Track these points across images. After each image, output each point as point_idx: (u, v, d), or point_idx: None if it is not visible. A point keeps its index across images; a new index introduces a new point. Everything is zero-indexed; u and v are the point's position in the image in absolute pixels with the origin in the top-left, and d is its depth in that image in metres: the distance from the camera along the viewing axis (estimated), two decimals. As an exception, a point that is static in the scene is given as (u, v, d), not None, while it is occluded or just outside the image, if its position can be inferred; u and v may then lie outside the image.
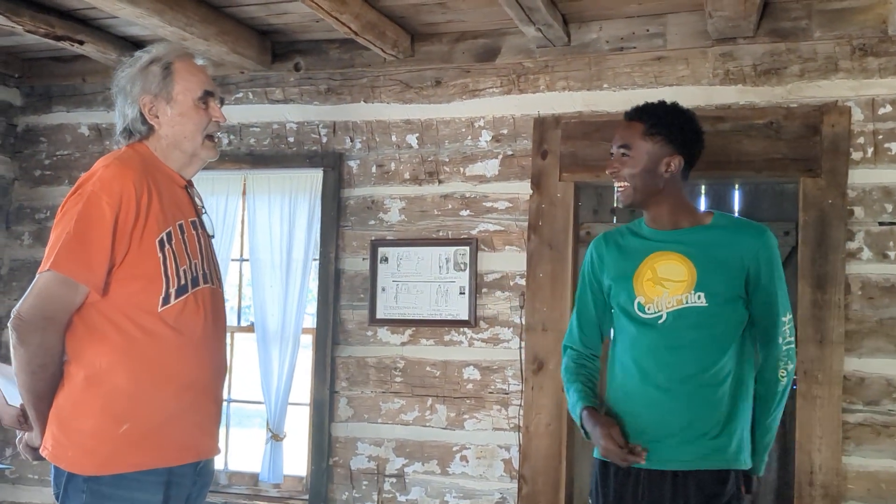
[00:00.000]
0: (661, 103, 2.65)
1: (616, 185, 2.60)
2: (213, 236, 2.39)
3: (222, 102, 2.36)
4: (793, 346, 2.56)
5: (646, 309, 2.50)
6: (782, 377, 2.53)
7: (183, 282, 2.19)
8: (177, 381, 2.18)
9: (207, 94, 2.30)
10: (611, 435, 2.45)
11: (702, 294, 2.46)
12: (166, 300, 2.16)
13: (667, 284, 2.49)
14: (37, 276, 2.11)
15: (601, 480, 2.56)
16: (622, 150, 2.57)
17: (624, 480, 2.50)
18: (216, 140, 2.35)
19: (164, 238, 2.17)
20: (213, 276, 2.32)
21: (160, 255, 2.15)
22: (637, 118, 2.60)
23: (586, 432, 2.58)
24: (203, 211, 2.38)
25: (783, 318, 2.54)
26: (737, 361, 2.50)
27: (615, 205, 2.65)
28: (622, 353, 2.58)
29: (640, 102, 2.68)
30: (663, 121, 2.57)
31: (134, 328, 2.13)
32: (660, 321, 2.48)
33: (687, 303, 2.46)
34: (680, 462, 2.44)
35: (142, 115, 2.26)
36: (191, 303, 2.20)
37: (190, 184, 2.36)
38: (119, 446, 2.09)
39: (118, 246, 2.10)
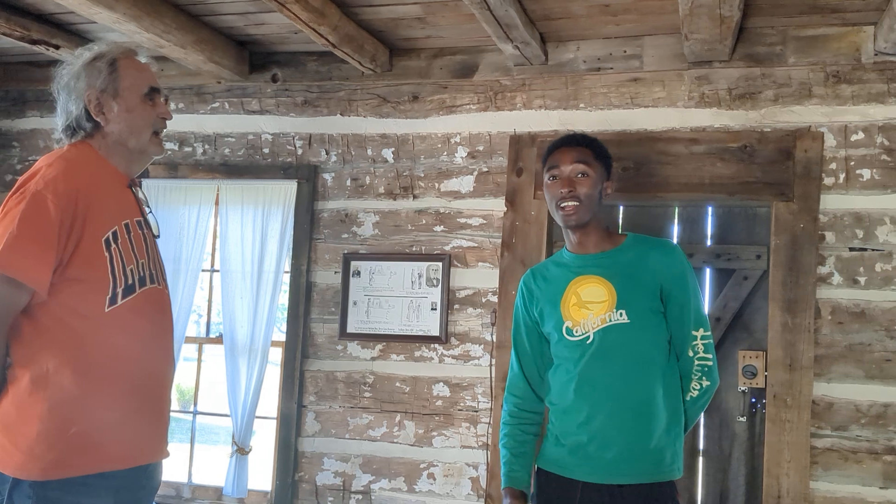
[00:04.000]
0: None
1: (567, 204, 2.61)
2: (158, 236, 2.35)
3: (167, 100, 2.34)
4: (709, 362, 2.58)
5: (573, 332, 2.57)
6: (694, 389, 2.56)
7: (130, 281, 2.14)
8: (125, 383, 2.12)
9: (154, 91, 2.28)
10: None
11: (623, 311, 2.53)
12: (113, 300, 2.10)
13: (591, 307, 2.56)
14: None
15: (539, 490, 2.63)
16: (581, 171, 2.62)
17: (562, 493, 2.55)
18: (162, 137, 2.32)
19: (111, 237, 2.12)
20: (158, 276, 2.28)
21: (106, 254, 2.10)
22: (585, 144, 2.70)
23: None
24: (148, 210, 2.34)
25: (694, 333, 2.57)
26: (666, 375, 2.54)
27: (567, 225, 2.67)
28: (558, 377, 2.64)
29: (574, 130, 2.80)
30: (602, 148, 2.71)
31: (80, 329, 2.07)
32: (588, 341, 2.54)
33: (611, 321, 2.53)
34: (619, 476, 2.47)
35: (87, 111, 2.21)
36: (138, 302, 2.16)
37: (134, 183, 2.32)
38: (67, 450, 2.03)
39: (64, 245, 2.04)
